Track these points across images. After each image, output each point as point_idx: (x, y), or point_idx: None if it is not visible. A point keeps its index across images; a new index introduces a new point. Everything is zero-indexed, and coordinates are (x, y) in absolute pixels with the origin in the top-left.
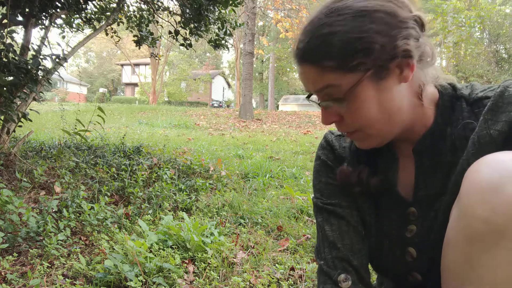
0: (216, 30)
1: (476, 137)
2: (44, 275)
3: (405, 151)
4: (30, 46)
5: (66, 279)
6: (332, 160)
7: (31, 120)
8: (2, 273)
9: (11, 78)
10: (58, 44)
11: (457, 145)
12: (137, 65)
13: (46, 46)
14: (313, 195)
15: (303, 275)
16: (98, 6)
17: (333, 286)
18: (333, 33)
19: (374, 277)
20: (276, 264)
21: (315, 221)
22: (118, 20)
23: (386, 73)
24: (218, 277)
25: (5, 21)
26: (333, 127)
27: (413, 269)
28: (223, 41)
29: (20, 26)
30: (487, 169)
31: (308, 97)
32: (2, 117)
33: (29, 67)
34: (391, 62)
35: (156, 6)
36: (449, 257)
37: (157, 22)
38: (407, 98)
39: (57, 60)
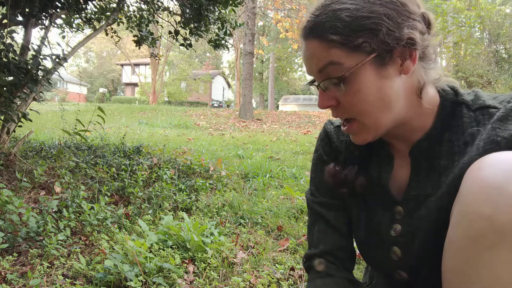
0: (216, 30)
1: (481, 143)
2: (44, 275)
3: (401, 151)
4: (30, 46)
5: (66, 279)
6: (328, 153)
7: (31, 120)
8: (2, 273)
9: (11, 78)
10: (58, 44)
11: (455, 150)
12: (137, 65)
13: (46, 46)
14: (308, 189)
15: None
16: (98, 6)
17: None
18: (343, 9)
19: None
20: (276, 264)
21: None
22: (118, 20)
23: (389, 60)
24: (218, 277)
25: (5, 21)
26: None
27: (399, 268)
28: (223, 41)
29: (20, 26)
30: (491, 168)
31: (311, 83)
32: (2, 117)
33: (29, 67)
34: (395, 49)
35: (156, 6)
36: (450, 257)
37: (157, 22)
38: (405, 92)
39: (57, 60)
